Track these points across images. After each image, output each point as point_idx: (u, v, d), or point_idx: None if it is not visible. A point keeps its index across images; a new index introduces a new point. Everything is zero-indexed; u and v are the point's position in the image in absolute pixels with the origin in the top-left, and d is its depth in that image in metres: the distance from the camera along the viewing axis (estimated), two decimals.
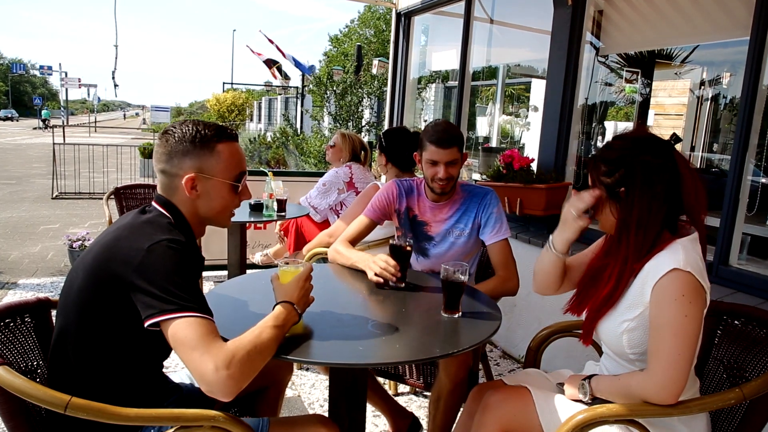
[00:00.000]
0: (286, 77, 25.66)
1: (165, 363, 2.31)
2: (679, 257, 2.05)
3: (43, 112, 66.37)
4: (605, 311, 2.24)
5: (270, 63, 24.26)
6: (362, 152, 5.86)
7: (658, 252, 2.12)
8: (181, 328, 1.82)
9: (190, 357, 1.80)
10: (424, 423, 3.69)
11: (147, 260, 1.89)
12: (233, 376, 1.78)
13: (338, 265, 3.25)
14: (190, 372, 1.83)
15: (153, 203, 2.18)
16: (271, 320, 2.02)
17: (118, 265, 1.91)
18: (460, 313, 2.50)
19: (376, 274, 2.86)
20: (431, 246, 3.43)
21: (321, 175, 6.50)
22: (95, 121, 58.24)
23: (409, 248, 2.98)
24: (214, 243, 6.65)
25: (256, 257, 6.87)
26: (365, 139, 6.59)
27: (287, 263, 2.34)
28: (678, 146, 2.19)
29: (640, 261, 2.15)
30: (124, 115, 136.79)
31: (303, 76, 22.17)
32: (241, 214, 4.86)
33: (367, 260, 2.98)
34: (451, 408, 3.03)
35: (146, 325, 1.85)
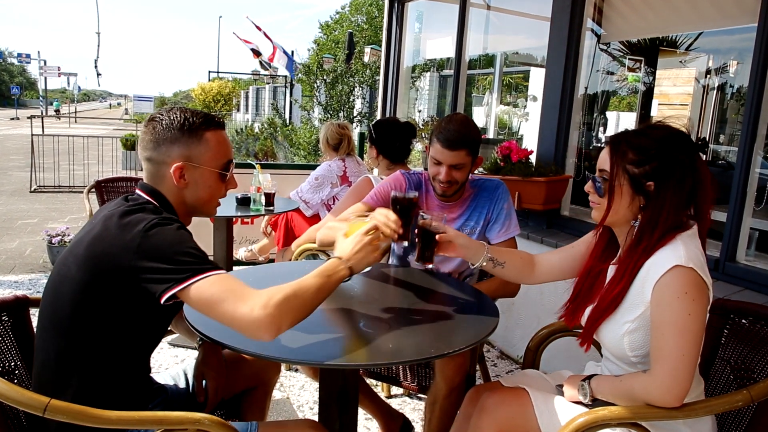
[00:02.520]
0: (272, 67, 25.65)
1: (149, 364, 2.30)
2: (680, 253, 2.04)
3: (54, 102, 68.04)
4: (609, 314, 2.23)
5: (257, 53, 24.27)
6: (344, 141, 5.83)
7: (659, 248, 2.11)
8: (205, 287, 1.85)
9: (222, 310, 1.83)
10: (418, 426, 3.68)
11: (147, 240, 1.91)
12: (272, 315, 1.80)
13: (328, 244, 3.22)
14: (226, 325, 1.86)
15: (137, 191, 2.19)
16: (315, 270, 2.04)
17: (117, 253, 1.92)
18: (432, 265, 2.52)
19: None
20: None
21: (311, 167, 6.49)
22: (75, 111, 58.00)
23: (414, 200, 2.69)
24: (199, 238, 6.57)
25: (239, 253, 6.86)
26: (357, 130, 6.57)
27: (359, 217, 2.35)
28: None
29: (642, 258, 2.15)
30: (110, 105, 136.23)
31: (293, 63, 22.15)
32: (228, 208, 4.85)
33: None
34: (447, 412, 2.99)
35: (163, 300, 1.86)
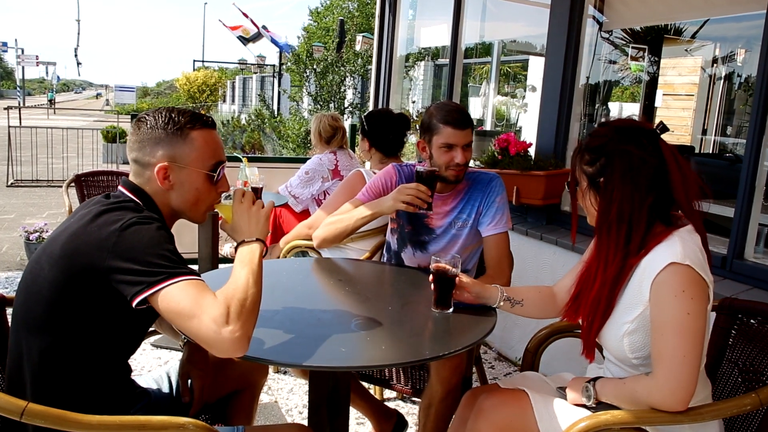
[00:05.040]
0: (260, 55, 25.66)
1: (131, 366, 2.29)
2: (676, 250, 2.04)
3: (49, 93, 69.57)
4: (600, 317, 2.23)
5: (244, 41, 24.28)
6: (337, 134, 5.82)
7: (655, 246, 2.12)
8: (173, 295, 1.84)
9: (189, 325, 1.83)
10: (412, 430, 3.68)
11: (122, 240, 1.90)
12: (235, 330, 1.81)
13: (331, 241, 3.23)
14: (191, 339, 1.88)
15: (120, 188, 2.19)
16: (237, 264, 2.03)
17: (91, 252, 1.91)
18: (452, 309, 2.49)
19: (405, 202, 2.92)
20: (431, 240, 3.34)
21: (300, 161, 6.46)
22: (54, 102, 57.83)
23: (437, 172, 3.01)
24: (184, 235, 6.55)
25: (224, 249, 6.85)
26: (348, 122, 6.56)
27: (226, 198, 2.31)
28: (666, 136, 2.16)
29: (634, 257, 2.15)
30: (97, 95, 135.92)
31: (280, 53, 22.14)
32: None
33: (386, 197, 3.07)
34: (443, 416, 2.99)
35: (134, 303, 1.86)
